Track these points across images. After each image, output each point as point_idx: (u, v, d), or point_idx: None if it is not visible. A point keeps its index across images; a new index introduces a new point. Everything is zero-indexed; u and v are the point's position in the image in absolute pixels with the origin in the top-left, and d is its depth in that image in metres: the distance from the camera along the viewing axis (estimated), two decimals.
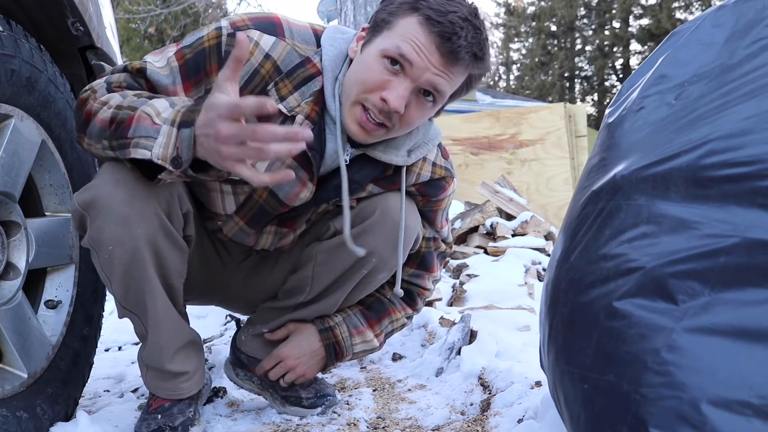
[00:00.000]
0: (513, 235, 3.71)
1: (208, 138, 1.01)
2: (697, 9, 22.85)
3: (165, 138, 1.07)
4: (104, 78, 1.26)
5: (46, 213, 1.43)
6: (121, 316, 1.36)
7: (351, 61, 1.29)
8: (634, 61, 25.36)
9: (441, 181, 1.47)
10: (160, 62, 1.27)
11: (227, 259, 1.53)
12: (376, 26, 1.24)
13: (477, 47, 1.20)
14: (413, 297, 1.58)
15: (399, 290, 1.45)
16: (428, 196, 1.47)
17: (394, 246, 1.38)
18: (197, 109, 1.05)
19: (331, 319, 1.51)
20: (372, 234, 1.37)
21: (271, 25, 1.29)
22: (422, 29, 1.18)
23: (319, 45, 1.31)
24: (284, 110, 1.27)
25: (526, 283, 2.94)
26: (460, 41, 1.17)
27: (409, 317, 1.61)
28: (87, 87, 1.25)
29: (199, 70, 1.25)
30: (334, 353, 1.51)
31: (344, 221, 1.31)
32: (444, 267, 3.41)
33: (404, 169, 1.39)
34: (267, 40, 1.27)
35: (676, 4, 23.44)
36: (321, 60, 1.29)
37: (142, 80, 1.25)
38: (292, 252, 1.51)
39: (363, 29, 1.29)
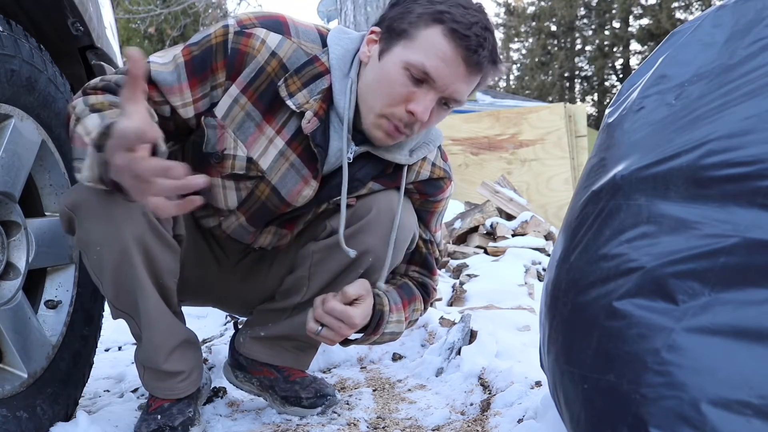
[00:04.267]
0: (513, 235, 3.71)
1: (113, 165, 0.97)
2: (697, 9, 22.85)
3: (90, 159, 1.04)
4: (95, 79, 1.25)
5: (46, 213, 1.43)
6: (115, 317, 1.36)
7: (360, 62, 1.29)
8: (634, 61, 25.37)
9: (439, 182, 1.47)
10: (164, 59, 1.27)
11: (223, 259, 1.53)
12: (393, 33, 1.23)
13: (495, 54, 1.23)
14: (428, 290, 1.55)
15: (381, 285, 1.40)
16: (426, 194, 1.47)
17: (390, 245, 1.38)
18: (108, 132, 1.00)
19: (377, 287, 1.41)
20: (368, 233, 1.37)
21: (278, 24, 1.29)
22: (447, 42, 1.18)
23: (324, 45, 1.32)
24: (293, 107, 1.28)
25: (526, 283, 2.94)
26: (484, 52, 1.20)
27: (422, 314, 1.57)
28: (84, 86, 1.25)
29: (205, 67, 1.26)
30: (375, 323, 1.38)
31: (340, 221, 1.32)
32: (442, 268, 3.43)
33: (405, 168, 1.39)
34: (273, 39, 1.27)
35: (676, 4, 23.44)
36: (328, 59, 1.30)
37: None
38: (288, 252, 1.51)
39: (372, 32, 1.28)
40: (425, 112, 1.22)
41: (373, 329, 1.40)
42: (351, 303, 1.32)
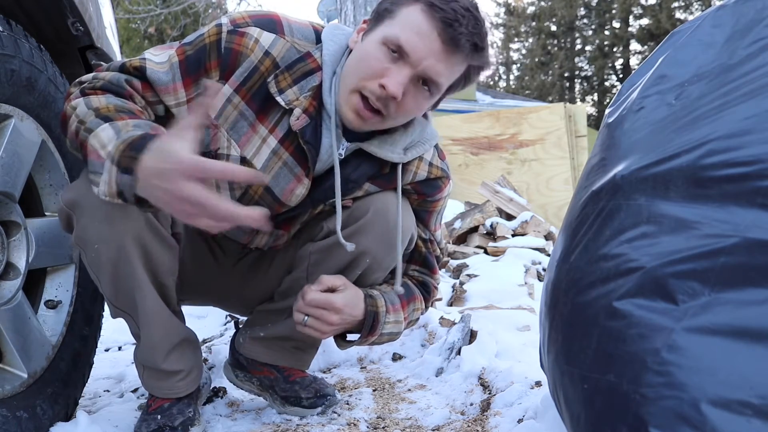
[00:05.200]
0: (513, 235, 3.71)
1: (160, 189, 0.98)
2: (697, 9, 22.86)
3: (107, 175, 1.04)
4: (87, 76, 1.24)
5: (46, 213, 1.43)
6: (114, 316, 1.36)
7: (350, 52, 1.30)
8: (634, 61, 25.37)
9: (437, 181, 1.47)
10: (160, 58, 1.27)
11: (222, 258, 1.53)
12: (378, 16, 1.25)
13: (477, 37, 1.21)
14: (429, 289, 1.55)
15: (399, 288, 1.43)
16: (424, 194, 1.46)
17: (388, 245, 1.38)
18: (137, 156, 1.00)
19: (371, 289, 1.43)
20: (365, 234, 1.37)
21: (271, 23, 1.29)
22: (424, 16, 1.19)
23: (319, 42, 1.32)
24: (282, 103, 1.27)
25: (526, 283, 2.94)
26: (461, 28, 1.18)
27: (422, 313, 1.57)
28: (74, 82, 1.24)
29: (199, 66, 1.26)
30: (370, 324, 1.39)
31: (336, 217, 1.31)
32: (443, 268, 3.43)
33: (400, 167, 1.39)
34: (267, 38, 1.27)
35: (676, 4, 23.45)
36: (321, 55, 1.30)
37: (136, 80, 1.24)
38: (286, 253, 1.51)
39: (364, 21, 1.30)
40: (397, 86, 1.19)
41: (369, 330, 1.40)
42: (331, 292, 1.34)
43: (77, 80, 1.24)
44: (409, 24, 1.19)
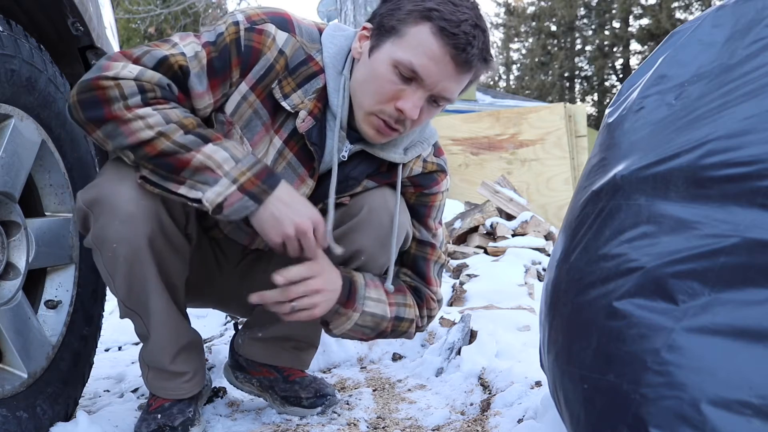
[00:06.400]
0: (513, 235, 3.70)
1: (287, 215, 1.19)
2: (697, 9, 22.85)
3: (222, 188, 1.15)
4: (135, 74, 1.16)
5: (46, 213, 1.43)
6: (122, 316, 1.36)
7: (353, 59, 1.30)
8: (634, 61, 25.37)
9: (433, 174, 1.47)
10: (188, 48, 1.23)
11: (223, 260, 1.53)
12: (383, 30, 1.24)
13: (486, 52, 1.23)
14: (421, 296, 1.48)
15: (390, 285, 1.39)
16: (421, 187, 1.46)
17: (382, 243, 1.37)
18: (270, 191, 1.17)
19: (385, 287, 1.40)
20: (360, 231, 1.36)
21: (284, 22, 1.30)
22: (436, 41, 1.18)
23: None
24: (288, 108, 1.28)
25: (526, 283, 2.94)
26: (473, 50, 1.19)
27: (417, 315, 1.47)
28: (104, 71, 1.16)
29: (225, 67, 1.25)
30: (347, 291, 1.32)
31: (328, 219, 1.31)
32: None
33: (400, 166, 1.39)
34: (281, 36, 1.28)
35: (676, 4, 23.44)
36: (322, 58, 1.30)
37: (174, 86, 1.20)
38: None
39: (365, 28, 1.29)
40: (414, 110, 1.22)
41: (347, 297, 1.32)
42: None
43: (109, 72, 1.15)
44: (421, 48, 1.19)
